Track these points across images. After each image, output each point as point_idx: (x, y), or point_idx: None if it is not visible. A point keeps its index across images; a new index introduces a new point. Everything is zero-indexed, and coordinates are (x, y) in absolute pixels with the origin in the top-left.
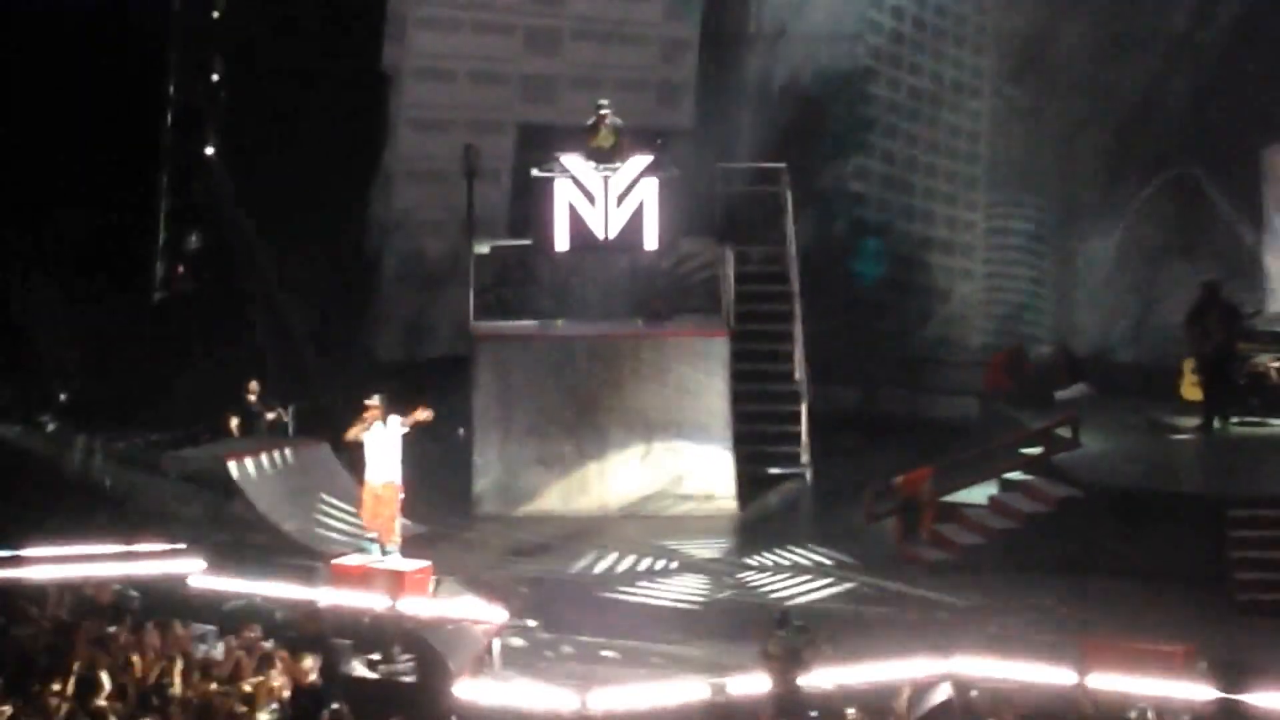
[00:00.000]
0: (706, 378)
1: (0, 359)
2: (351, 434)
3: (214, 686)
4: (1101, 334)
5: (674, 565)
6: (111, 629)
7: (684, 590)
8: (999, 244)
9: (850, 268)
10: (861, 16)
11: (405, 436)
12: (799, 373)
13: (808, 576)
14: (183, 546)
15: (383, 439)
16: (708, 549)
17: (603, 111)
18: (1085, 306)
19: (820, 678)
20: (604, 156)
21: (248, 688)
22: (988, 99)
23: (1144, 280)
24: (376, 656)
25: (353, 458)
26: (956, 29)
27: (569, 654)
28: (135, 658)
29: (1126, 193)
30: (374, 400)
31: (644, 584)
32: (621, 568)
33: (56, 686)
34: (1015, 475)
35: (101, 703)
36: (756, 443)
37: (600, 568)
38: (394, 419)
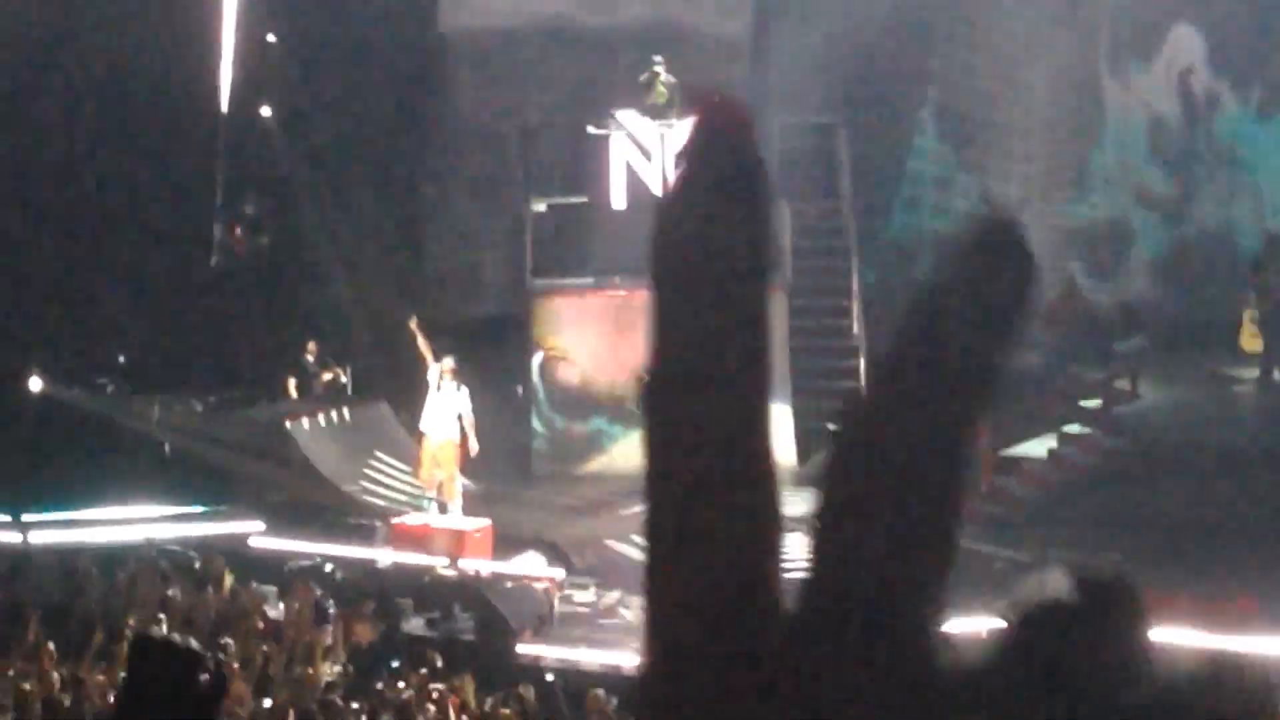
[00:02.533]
0: None
1: (60, 323)
2: (424, 347)
3: (274, 646)
4: (1160, 285)
5: None
6: (171, 591)
7: None
8: (1056, 197)
9: (908, 223)
10: None
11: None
12: (856, 327)
13: None
14: (242, 507)
15: (447, 401)
16: None
17: (657, 68)
18: (1143, 256)
19: None
20: (660, 113)
21: (308, 647)
22: (1044, 50)
23: (1202, 231)
24: (437, 615)
25: (412, 417)
26: None
27: (628, 612)
28: (194, 619)
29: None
30: (448, 360)
31: None
32: None
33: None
34: (1074, 428)
35: None
36: (814, 399)
37: None
38: (463, 387)
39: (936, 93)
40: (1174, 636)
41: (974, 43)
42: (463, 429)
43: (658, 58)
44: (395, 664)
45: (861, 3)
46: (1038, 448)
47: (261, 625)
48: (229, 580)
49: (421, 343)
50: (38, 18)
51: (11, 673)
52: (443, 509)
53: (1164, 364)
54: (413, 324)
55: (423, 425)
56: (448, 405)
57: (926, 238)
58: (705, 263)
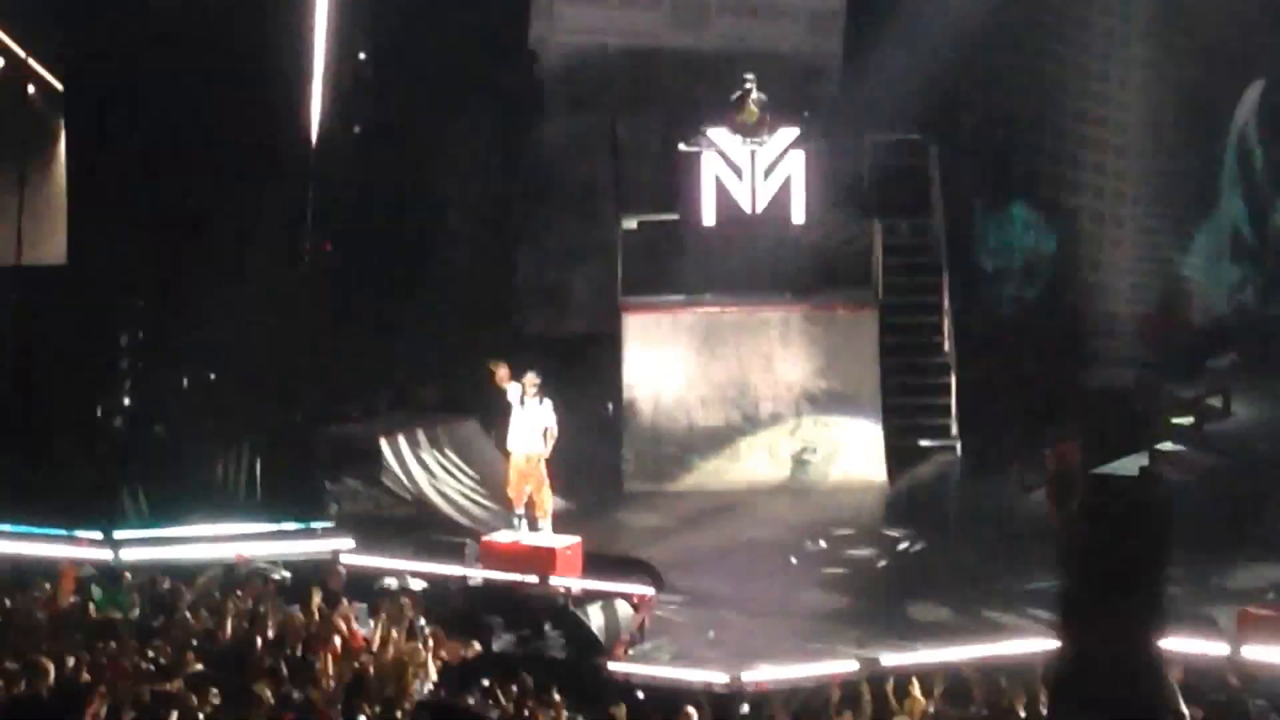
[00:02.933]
0: (855, 350)
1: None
2: (501, 376)
3: (365, 663)
4: (1254, 302)
5: (823, 541)
6: (262, 607)
7: (835, 563)
8: (1150, 212)
9: (999, 238)
10: None
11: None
12: (947, 344)
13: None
14: (333, 524)
15: (531, 416)
16: (858, 522)
17: (748, 86)
18: (1238, 275)
19: (972, 651)
20: (750, 130)
21: (399, 665)
22: (1137, 64)
23: None
24: (527, 633)
25: (500, 433)
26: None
27: (720, 628)
28: (284, 636)
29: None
30: (530, 376)
31: (794, 558)
32: (772, 542)
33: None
34: (1167, 446)
35: (258, 685)
36: (905, 415)
37: (750, 542)
38: (546, 401)
39: (1030, 108)
40: (1267, 655)
41: (1064, 58)
42: (538, 441)
43: (748, 75)
44: (486, 682)
45: (955, 18)
46: (1130, 465)
47: (352, 643)
48: (318, 597)
49: (501, 376)
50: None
51: (102, 688)
52: (533, 526)
53: (1256, 381)
54: (500, 371)
55: (510, 444)
56: (533, 421)
57: (1018, 255)
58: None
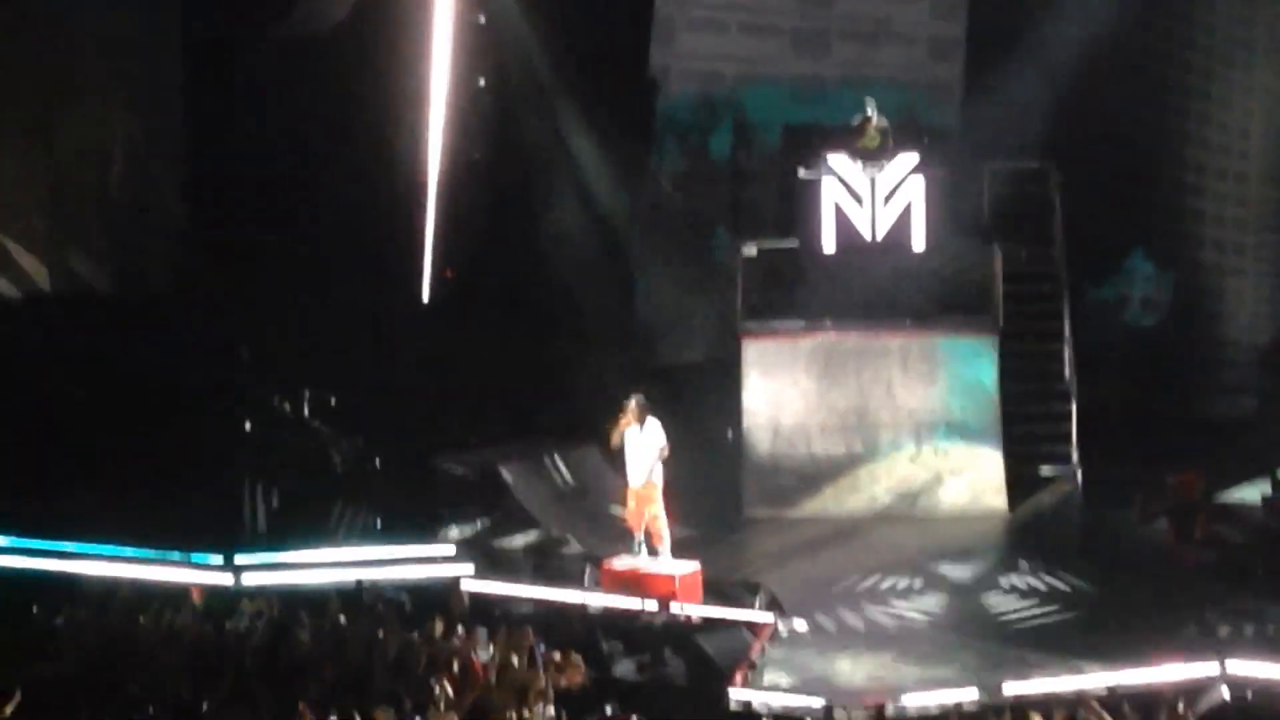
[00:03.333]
0: (976, 377)
1: (271, 364)
2: (614, 439)
3: (484, 690)
4: None
5: (948, 567)
6: (380, 633)
7: (954, 592)
8: (1270, 240)
9: (1119, 267)
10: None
11: (669, 439)
12: (1068, 371)
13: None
14: (453, 550)
15: (641, 440)
16: (979, 551)
17: (869, 111)
18: None
19: (1094, 679)
20: (870, 156)
21: (518, 690)
22: (1258, 91)
23: None
24: (646, 659)
25: (620, 460)
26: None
27: (840, 656)
28: (405, 661)
29: None
30: (631, 402)
31: (914, 586)
32: (893, 569)
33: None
34: None
35: (379, 711)
36: (1026, 443)
37: (871, 569)
38: (653, 421)
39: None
40: None
41: (1187, 85)
42: (658, 467)
43: (869, 100)
44: (608, 710)
45: (1077, 44)
46: (1252, 493)
47: (472, 669)
48: (439, 623)
49: (616, 431)
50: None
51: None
52: (652, 552)
53: None
54: (631, 403)
55: (628, 473)
56: (645, 445)
57: (1138, 283)
58: None
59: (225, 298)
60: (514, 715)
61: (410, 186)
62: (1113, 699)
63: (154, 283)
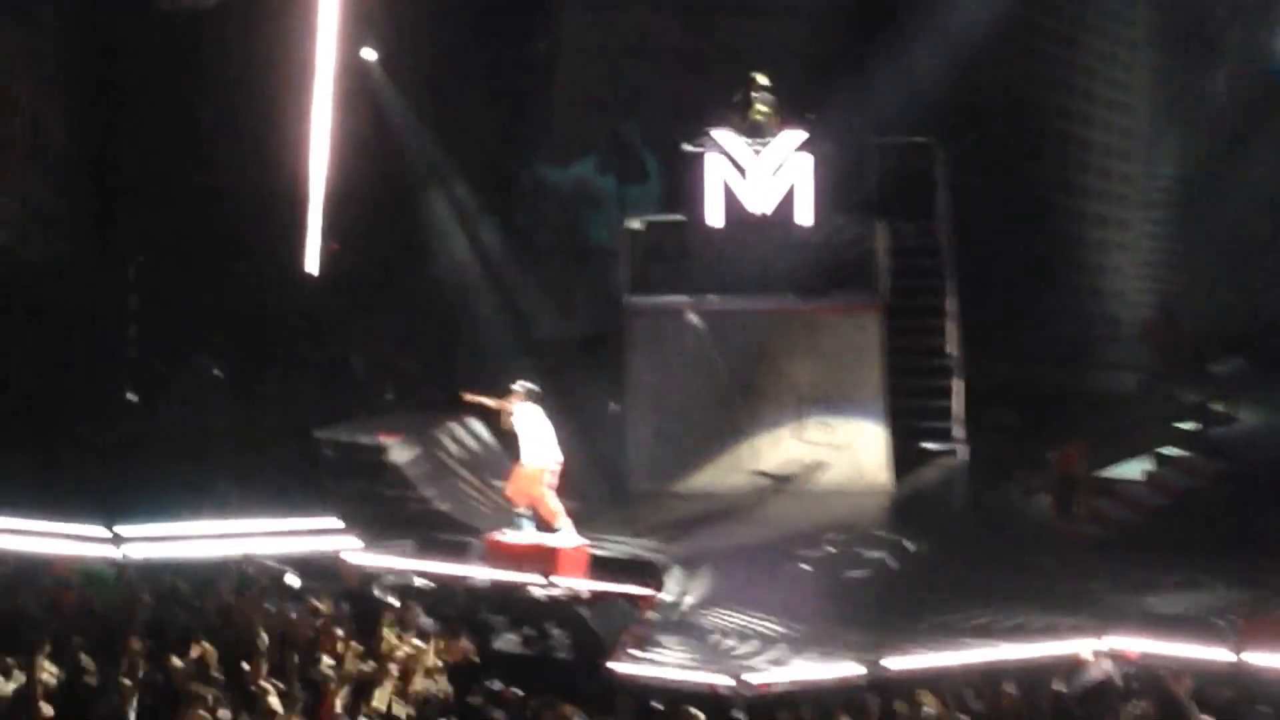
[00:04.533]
0: (860, 353)
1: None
2: (504, 424)
3: (370, 663)
4: (1258, 307)
5: (829, 545)
6: (269, 606)
7: (841, 566)
8: (1154, 217)
9: (1004, 242)
10: None
11: (553, 417)
12: (952, 347)
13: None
14: (340, 523)
15: (530, 422)
16: (863, 525)
17: (757, 85)
18: (1242, 279)
19: (978, 654)
20: (758, 130)
21: (404, 664)
22: (1142, 70)
23: None
24: (532, 633)
25: (507, 437)
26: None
27: (725, 630)
28: (292, 636)
29: None
30: (516, 387)
31: (798, 560)
32: (776, 543)
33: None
34: (1171, 450)
35: (261, 681)
36: (910, 418)
37: (754, 543)
38: (534, 405)
39: (1032, 112)
40: (1270, 661)
41: (1073, 63)
42: (554, 449)
43: (757, 75)
44: (492, 685)
45: (963, 21)
46: (1134, 469)
47: (358, 643)
48: (327, 600)
49: (485, 401)
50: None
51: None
52: (548, 529)
53: (1262, 386)
54: (466, 397)
55: (525, 457)
56: (535, 428)
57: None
58: None
59: (109, 269)
60: (399, 689)
61: (298, 158)
62: (995, 674)
63: (38, 254)
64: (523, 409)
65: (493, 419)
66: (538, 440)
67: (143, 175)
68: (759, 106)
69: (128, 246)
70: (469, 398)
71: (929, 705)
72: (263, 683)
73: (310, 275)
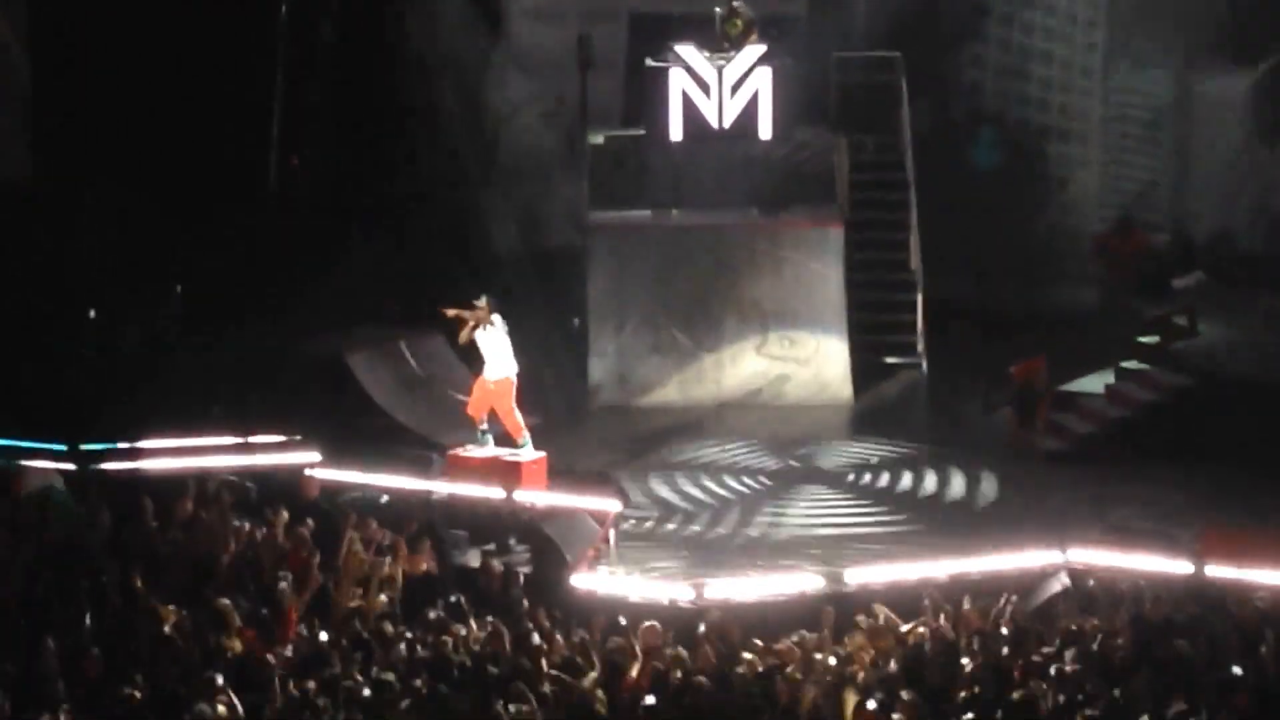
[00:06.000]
0: (821, 268)
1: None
2: (463, 337)
3: (331, 577)
4: (1220, 221)
5: (792, 460)
6: (240, 523)
7: (802, 480)
8: (1116, 131)
9: (965, 157)
10: None
11: (512, 330)
12: (914, 262)
13: (918, 467)
14: (299, 438)
15: (493, 338)
16: (824, 439)
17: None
18: (1203, 193)
19: (938, 568)
20: (735, 42)
21: (365, 577)
22: None
23: (1264, 165)
24: (492, 547)
25: (467, 351)
26: None
27: (685, 545)
28: (256, 551)
29: (1246, 73)
30: (480, 301)
31: (760, 475)
32: (738, 458)
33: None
34: (1132, 364)
35: (222, 600)
36: (871, 332)
37: (716, 458)
38: (498, 319)
39: (991, 25)
40: (1229, 573)
41: None
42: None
43: None
44: (454, 598)
45: None
46: (1095, 383)
47: (317, 556)
48: (285, 514)
49: (463, 314)
50: None
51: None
52: (508, 443)
53: (1223, 300)
54: (480, 303)
55: (487, 371)
56: (496, 344)
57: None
58: None
59: (71, 184)
60: (358, 603)
61: (257, 70)
62: (955, 588)
63: None
64: (492, 322)
65: (453, 334)
66: (503, 353)
67: (104, 92)
68: (736, 20)
69: (86, 166)
70: (449, 313)
71: (883, 617)
72: (221, 598)
73: (271, 190)
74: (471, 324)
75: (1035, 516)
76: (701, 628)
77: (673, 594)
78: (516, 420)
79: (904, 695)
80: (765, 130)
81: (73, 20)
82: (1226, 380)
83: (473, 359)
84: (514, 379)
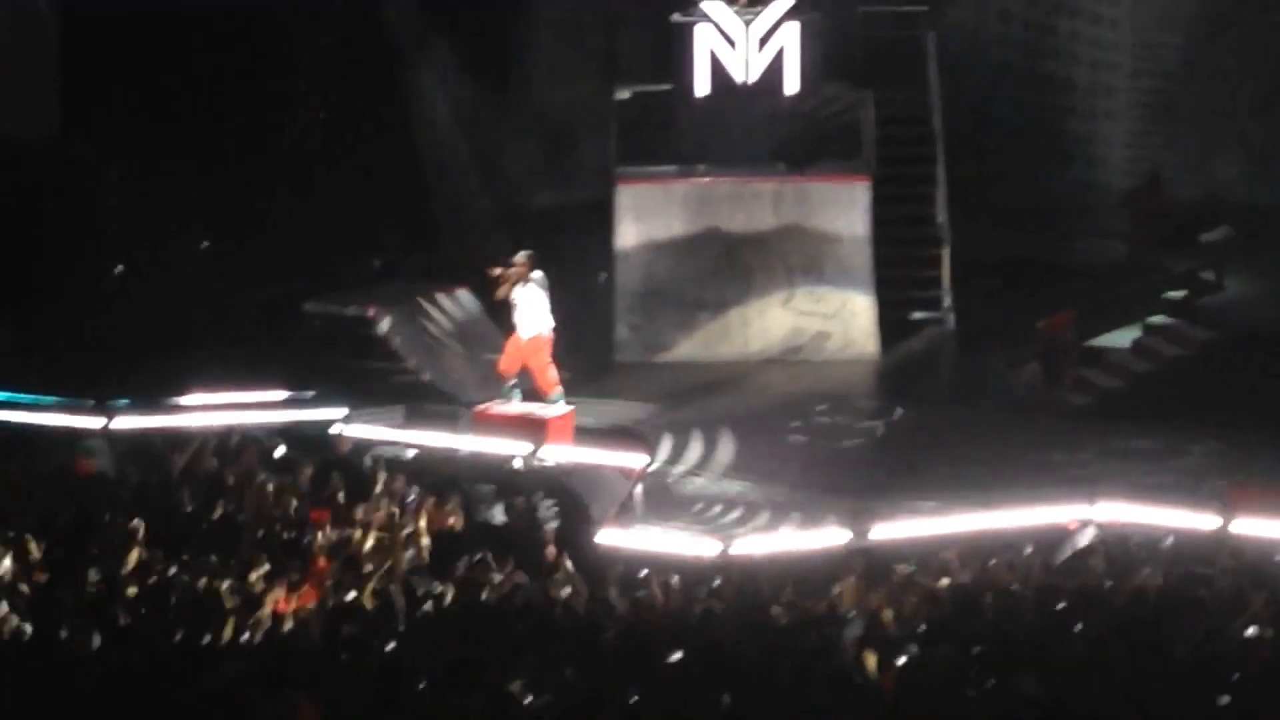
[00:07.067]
0: (848, 223)
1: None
2: (501, 293)
3: (359, 533)
4: (1247, 175)
5: (820, 411)
6: (263, 478)
7: (829, 436)
8: (1143, 86)
9: (993, 111)
10: None
11: (547, 287)
12: (941, 217)
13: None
14: (327, 394)
15: (530, 294)
16: (851, 395)
17: None
18: (1231, 148)
19: (962, 523)
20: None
21: (392, 534)
22: None
23: None
24: (520, 502)
25: (498, 307)
26: None
27: (712, 499)
28: (282, 506)
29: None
30: (519, 257)
31: (787, 430)
32: (765, 413)
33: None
34: (1158, 319)
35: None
36: (898, 288)
37: (743, 413)
38: (538, 273)
39: None
40: (1255, 529)
41: None
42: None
43: None
44: (479, 555)
45: None
46: (1122, 338)
47: (343, 513)
48: (310, 468)
49: (505, 272)
50: None
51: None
52: (538, 398)
53: (1250, 255)
54: (519, 259)
55: (521, 329)
56: (532, 300)
57: (1011, 127)
58: None
59: (96, 142)
60: (385, 559)
61: (283, 28)
62: (981, 543)
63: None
64: (531, 278)
65: (487, 290)
66: (540, 309)
67: (131, 53)
68: None
69: (114, 125)
70: (493, 271)
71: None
72: (252, 555)
73: (294, 146)
74: (511, 280)
75: (1062, 471)
76: (723, 581)
77: (698, 549)
78: (550, 376)
79: (929, 651)
80: (792, 85)
81: None
82: (1252, 335)
83: (500, 315)
84: (549, 334)
